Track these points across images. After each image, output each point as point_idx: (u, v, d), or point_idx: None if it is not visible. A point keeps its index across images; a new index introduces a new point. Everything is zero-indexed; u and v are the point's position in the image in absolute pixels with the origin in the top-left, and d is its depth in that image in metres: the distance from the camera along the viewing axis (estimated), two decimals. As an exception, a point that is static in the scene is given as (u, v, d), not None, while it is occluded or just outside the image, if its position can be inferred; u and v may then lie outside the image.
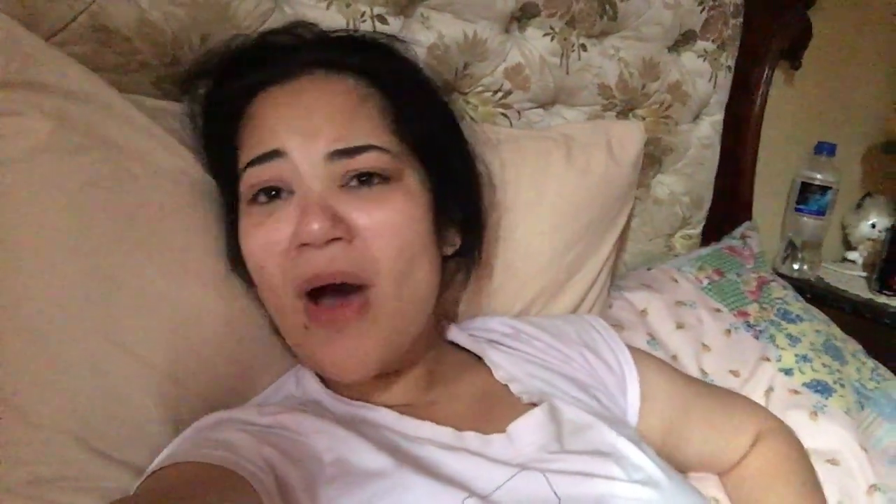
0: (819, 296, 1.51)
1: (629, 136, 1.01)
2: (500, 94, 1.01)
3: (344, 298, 0.62)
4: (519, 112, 1.04)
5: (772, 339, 1.12)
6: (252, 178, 0.63)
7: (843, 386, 1.06)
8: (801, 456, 0.87)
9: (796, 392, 1.04)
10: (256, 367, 0.73)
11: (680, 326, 1.11)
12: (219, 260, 0.69)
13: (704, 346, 1.10)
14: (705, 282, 1.21)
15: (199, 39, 0.76)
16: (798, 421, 0.97)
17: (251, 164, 0.62)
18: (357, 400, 0.68)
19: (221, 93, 0.70)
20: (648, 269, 1.24)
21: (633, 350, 0.84)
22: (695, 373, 1.06)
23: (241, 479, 0.54)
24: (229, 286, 0.69)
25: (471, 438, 0.65)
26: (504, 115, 1.02)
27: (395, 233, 0.63)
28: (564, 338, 0.82)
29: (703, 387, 0.90)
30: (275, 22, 0.79)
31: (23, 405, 0.59)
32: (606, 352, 0.81)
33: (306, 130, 0.62)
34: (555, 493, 0.60)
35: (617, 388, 0.79)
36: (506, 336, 0.82)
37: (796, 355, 1.09)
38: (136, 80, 0.73)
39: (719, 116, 1.32)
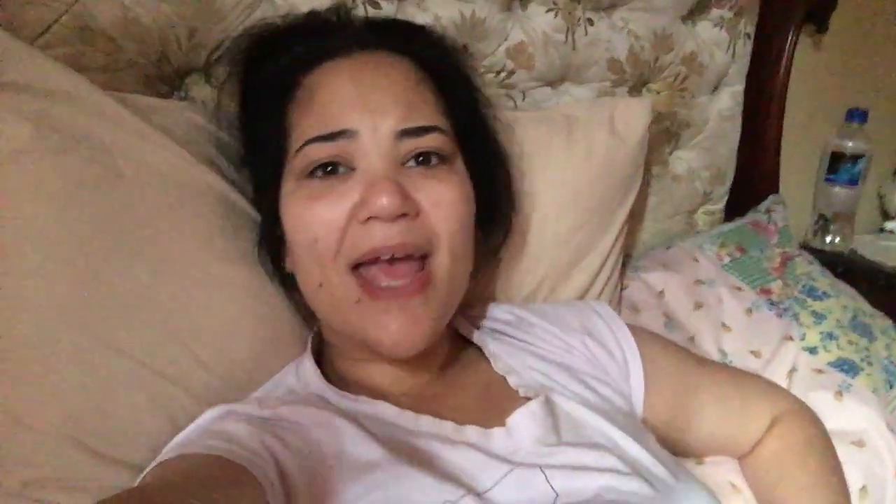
0: (852, 269, 1.45)
1: (634, 114, 0.98)
2: (503, 75, 0.98)
3: (398, 269, 0.63)
4: (524, 92, 1.01)
5: (795, 316, 1.08)
6: (313, 154, 0.62)
7: (870, 364, 1.01)
8: (821, 439, 0.84)
9: (821, 371, 1.00)
10: (253, 363, 0.72)
11: (699, 307, 1.08)
12: (211, 257, 0.69)
13: (724, 325, 1.07)
14: (727, 259, 1.17)
15: (187, 34, 0.75)
16: (822, 401, 0.94)
17: (315, 140, 0.62)
18: (359, 394, 0.68)
19: (271, 65, 0.69)
20: (668, 248, 1.20)
21: (638, 333, 0.82)
22: (714, 354, 1.03)
23: (244, 470, 0.54)
24: (222, 283, 0.69)
25: (471, 432, 0.65)
26: (508, 96, 1.00)
27: (454, 211, 0.65)
28: (565, 326, 0.80)
29: (716, 368, 0.88)
30: (263, 12, 0.78)
31: (15, 409, 0.60)
32: (609, 338, 0.79)
33: (374, 108, 0.63)
34: (552, 488, 0.59)
35: (620, 374, 0.77)
36: (507, 325, 0.81)
37: (821, 333, 1.05)
38: (123, 80, 0.73)
39: (740, 87, 1.27)
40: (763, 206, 1.32)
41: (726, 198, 1.34)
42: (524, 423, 0.66)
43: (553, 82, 1.05)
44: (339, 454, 0.60)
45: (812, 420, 0.85)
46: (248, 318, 0.71)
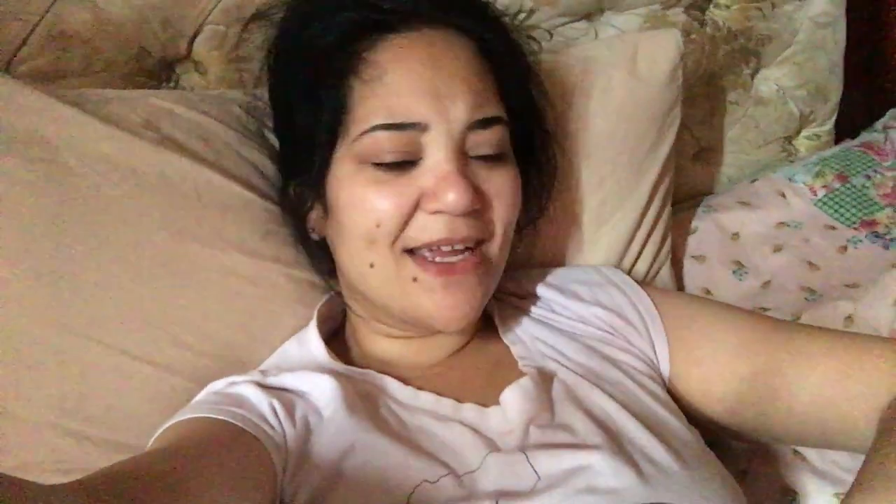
0: None
1: (660, 49, 0.85)
2: (522, 15, 0.90)
3: (456, 253, 0.63)
4: (550, 32, 0.92)
5: (906, 248, 0.92)
6: (384, 144, 0.61)
7: None
8: None
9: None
10: (249, 342, 0.72)
11: (778, 249, 0.95)
12: (180, 241, 0.69)
13: (811, 264, 0.94)
14: (821, 192, 1.02)
15: (161, 25, 0.76)
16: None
17: (384, 127, 0.61)
18: (368, 368, 0.68)
19: (324, 30, 0.65)
20: (752, 182, 1.07)
21: (665, 298, 0.74)
22: (794, 293, 0.91)
23: (250, 435, 0.56)
24: (194, 265, 0.69)
25: (468, 411, 0.63)
26: (531, 37, 0.91)
27: (511, 204, 0.66)
28: (578, 298, 0.74)
29: (805, 332, 0.68)
30: (234, -7, 0.77)
31: (2, 401, 0.64)
32: (626, 308, 0.72)
33: (447, 97, 0.61)
34: (534, 471, 0.57)
35: (644, 342, 0.70)
36: (519, 297, 0.77)
37: (937, 267, 0.88)
38: (104, 80, 0.75)
39: (838, -16, 1.08)
40: (880, 122, 1.13)
41: (834, 117, 1.15)
42: (516, 400, 0.63)
43: (589, 14, 0.96)
44: (331, 419, 0.61)
45: None
46: (232, 299, 0.71)
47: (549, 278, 0.79)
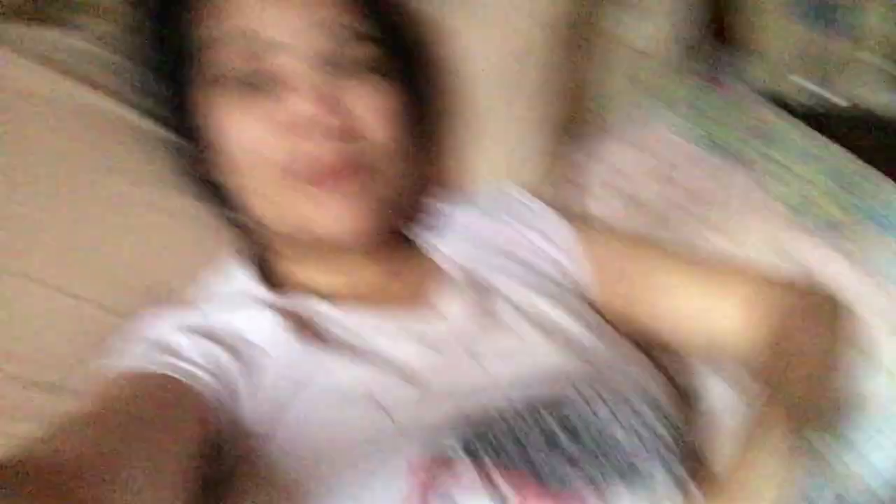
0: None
1: None
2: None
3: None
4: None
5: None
6: (236, 64, 0.61)
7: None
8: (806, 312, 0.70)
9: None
10: (182, 281, 0.73)
11: (660, 181, 1.05)
12: (115, 179, 0.70)
13: (690, 192, 1.03)
14: (692, 130, 1.11)
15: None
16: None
17: (235, 47, 0.61)
18: (293, 291, 0.69)
19: None
20: (629, 123, 1.15)
21: (568, 215, 0.82)
22: (677, 220, 0.99)
23: (188, 386, 0.56)
24: (132, 204, 0.70)
25: (408, 320, 0.66)
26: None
27: (384, 117, 0.67)
28: (491, 216, 0.80)
29: (681, 252, 0.81)
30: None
31: None
32: (539, 223, 0.78)
33: (294, 8, 0.61)
34: (484, 370, 0.60)
35: (560, 254, 0.76)
36: (434, 217, 0.82)
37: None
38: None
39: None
40: (717, 61, 1.25)
41: (695, 61, 1.26)
42: (453, 305, 0.67)
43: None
44: (277, 353, 0.62)
45: (818, 301, 0.72)
46: (155, 232, 0.72)
47: (462, 198, 0.83)
